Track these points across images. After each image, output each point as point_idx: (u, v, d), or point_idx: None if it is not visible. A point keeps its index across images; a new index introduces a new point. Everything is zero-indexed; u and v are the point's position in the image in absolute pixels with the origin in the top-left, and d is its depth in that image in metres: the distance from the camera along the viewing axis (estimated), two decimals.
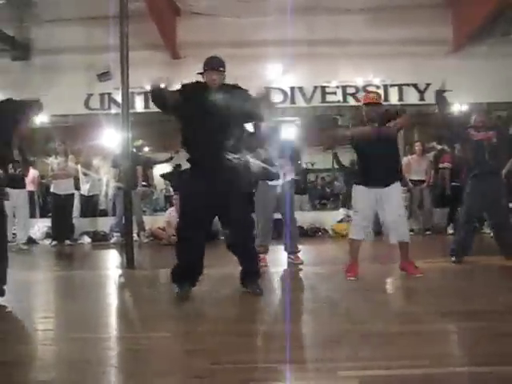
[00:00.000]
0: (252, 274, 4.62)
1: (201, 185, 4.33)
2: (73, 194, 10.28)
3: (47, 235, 10.43)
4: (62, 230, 10.05)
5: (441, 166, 10.72)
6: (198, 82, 4.51)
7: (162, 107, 4.40)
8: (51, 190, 10.28)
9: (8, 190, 8.97)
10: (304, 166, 13.16)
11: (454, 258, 6.08)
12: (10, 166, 9.18)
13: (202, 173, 4.37)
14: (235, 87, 4.51)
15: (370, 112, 5.34)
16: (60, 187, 10.04)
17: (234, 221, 4.47)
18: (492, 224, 6.49)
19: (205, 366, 2.63)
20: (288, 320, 3.66)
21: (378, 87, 10.86)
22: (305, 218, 10.66)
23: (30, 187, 10.46)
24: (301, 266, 6.24)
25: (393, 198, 5.29)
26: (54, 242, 9.90)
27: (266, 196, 6.31)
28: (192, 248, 4.41)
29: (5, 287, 4.41)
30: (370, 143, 5.20)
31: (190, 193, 4.52)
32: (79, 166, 10.76)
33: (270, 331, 3.36)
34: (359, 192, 5.38)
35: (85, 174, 10.91)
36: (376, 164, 5.19)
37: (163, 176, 12.04)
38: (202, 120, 4.31)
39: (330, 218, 10.92)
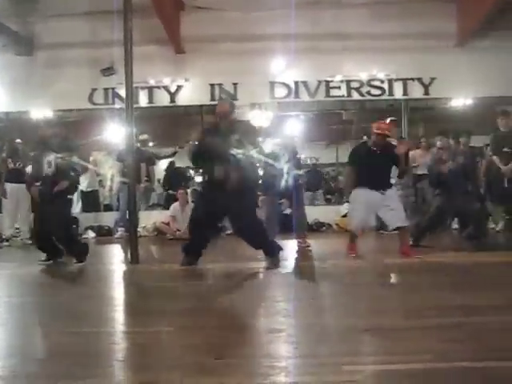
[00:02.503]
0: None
1: None
2: None
3: None
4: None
5: None
6: None
7: None
8: None
9: (9, 184, 9.08)
10: (308, 161, 13.20)
11: None
12: (10, 160, 9.21)
13: None
14: None
15: (378, 142, 6.14)
16: None
17: None
18: None
19: (209, 361, 2.64)
20: (292, 315, 3.67)
21: (382, 81, 10.84)
22: (309, 212, 10.64)
23: None
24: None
25: (391, 196, 6.19)
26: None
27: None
28: None
29: None
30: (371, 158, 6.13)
31: None
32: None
33: (273, 326, 3.36)
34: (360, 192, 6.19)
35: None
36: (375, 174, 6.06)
37: None
38: None
39: (334, 212, 10.89)
